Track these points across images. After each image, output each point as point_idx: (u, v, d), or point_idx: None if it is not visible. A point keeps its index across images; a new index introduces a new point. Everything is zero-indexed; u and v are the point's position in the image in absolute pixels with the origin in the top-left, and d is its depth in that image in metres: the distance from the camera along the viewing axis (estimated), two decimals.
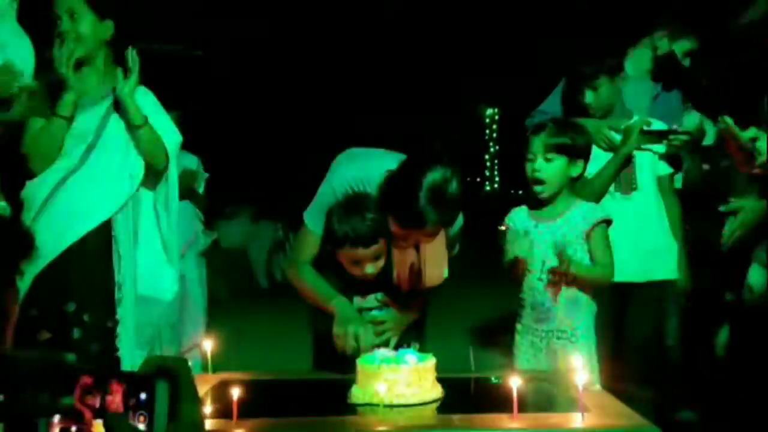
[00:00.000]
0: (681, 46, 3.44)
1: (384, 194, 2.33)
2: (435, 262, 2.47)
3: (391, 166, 2.33)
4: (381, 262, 2.42)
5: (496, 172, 21.20)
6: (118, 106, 2.78)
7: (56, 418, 0.92)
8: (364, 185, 2.42)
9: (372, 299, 2.51)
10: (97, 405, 0.92)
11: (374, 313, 2.49)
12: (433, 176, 2.19)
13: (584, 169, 2.68)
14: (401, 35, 12.52)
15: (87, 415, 0.92)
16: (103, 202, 2.73)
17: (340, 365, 2.32)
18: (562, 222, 2.60)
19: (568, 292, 2.57)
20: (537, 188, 2.62)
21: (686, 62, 3.46)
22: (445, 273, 2.52)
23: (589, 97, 3.06)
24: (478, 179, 21.27)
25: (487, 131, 20.74)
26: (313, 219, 2.49)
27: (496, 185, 21.06)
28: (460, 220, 2.52)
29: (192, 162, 4.56)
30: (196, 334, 4.12)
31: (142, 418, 0.93)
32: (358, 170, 2.45)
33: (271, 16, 10.67)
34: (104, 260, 2.75)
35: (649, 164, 3.13)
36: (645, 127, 3.06)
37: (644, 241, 3.01)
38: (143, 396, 0.94)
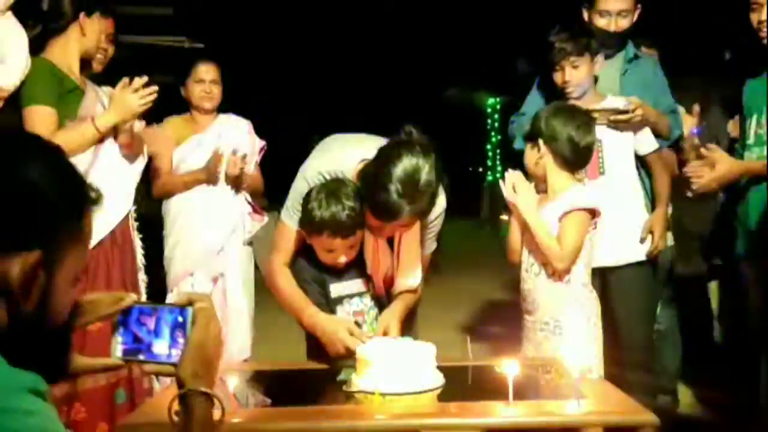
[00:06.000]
0: None
1: (359, 185, 2.26)
2: (407, 265, 2.42)
3: (367, 155, 2.26)
4: (354, 252, 2.37)
5: (498, 162, 21.14)
6: None
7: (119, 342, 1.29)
8: (338, 176, 2.35)
9: (352, 285, 2.46)
10: (153, 326, 1.28)
11: (354, 301, 2.45)
12: (404, 166, 2.10)
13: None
14: (401, 24, 12.50)
15: (140, 334, 1.29)
16: (126, 192, 2.79)
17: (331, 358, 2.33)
18: (551, 206, 2.58)
19: (549, 285, 2.56)
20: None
21: None
22: (419, 277, 2.45)
23: (568, 75, 3.02)
24: (480, 169, 21.22)
25: (489, 121, 20.66)
26: (290, 214, 2.41)
27: (498, 175, 20.99)
28: (441, 210, 2.44)
29: (242, 128, 3.71)
30: (242, 349, 3.46)
31: (179, 333, 1.26)
32: (332, 161, 2.37)
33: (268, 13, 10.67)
34: (129, 246, 2.84)
35: (617, 146, 3.07)
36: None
37: (616, 224, 2.96)
38: (180, 319, 1.27)
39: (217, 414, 1.20)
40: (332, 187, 2.31)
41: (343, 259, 2.37)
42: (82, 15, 2.80)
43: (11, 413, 0.85)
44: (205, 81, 3.58)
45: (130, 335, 1.31)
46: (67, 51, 2.81)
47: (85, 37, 2.81)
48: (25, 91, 2.70)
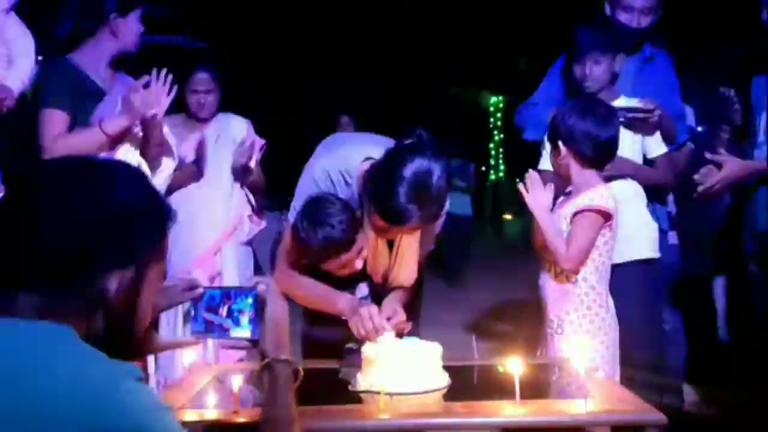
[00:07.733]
0: None
1: (365, 187, 2.22)
2: (404, 266, 2.40)
3: (372, 153, 2.23)
4: (365, 253, 2.32)
5: (501, 161, 21.14)
6: None
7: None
8: (344, 176, 2.32)
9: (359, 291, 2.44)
10: (225, 310, 1.56)
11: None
12: (414, 170, 2.06)
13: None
14: (403, 23, 12.50)
15: (212, 317, 1.57)
16: None
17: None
18: (568, 205, 2.56)
19: (553, 283, 2.54)
20: None
21: None
22: (413, 277, 2.43)
23: (588, 69, 2.98)
24: (483, 168, 21.21)
25: (492, 119, 20.65)
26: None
27: (501, 174, 20.99)
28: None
29: (241, 127, 3.70)
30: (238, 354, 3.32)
31: (253, 312, 1.53)
32: (338, 160, 2.34)
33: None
34: None
35: (624, 147, 2.94)
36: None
37: (620, 222, 2.91)
38: (249, 300, 1.55)
39: (295, 376, 1.46)
40: (315, 213, 2.25)
41: (359, 264, 2.32)
42: (113, 16, 2.78)
43: (130, 392, 0.98)
44: (199, 92, 3.58)
45: (201, 317, 1.56)
46: (95, 53, 2.80)
47: (116, 39, 2.80)
48: (42, 92, 2.70)
